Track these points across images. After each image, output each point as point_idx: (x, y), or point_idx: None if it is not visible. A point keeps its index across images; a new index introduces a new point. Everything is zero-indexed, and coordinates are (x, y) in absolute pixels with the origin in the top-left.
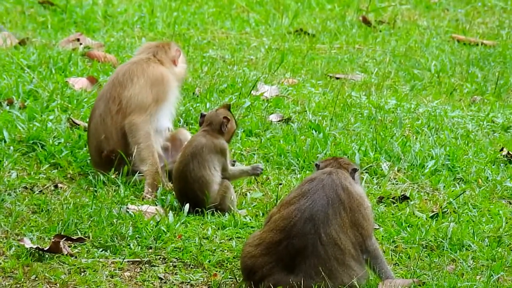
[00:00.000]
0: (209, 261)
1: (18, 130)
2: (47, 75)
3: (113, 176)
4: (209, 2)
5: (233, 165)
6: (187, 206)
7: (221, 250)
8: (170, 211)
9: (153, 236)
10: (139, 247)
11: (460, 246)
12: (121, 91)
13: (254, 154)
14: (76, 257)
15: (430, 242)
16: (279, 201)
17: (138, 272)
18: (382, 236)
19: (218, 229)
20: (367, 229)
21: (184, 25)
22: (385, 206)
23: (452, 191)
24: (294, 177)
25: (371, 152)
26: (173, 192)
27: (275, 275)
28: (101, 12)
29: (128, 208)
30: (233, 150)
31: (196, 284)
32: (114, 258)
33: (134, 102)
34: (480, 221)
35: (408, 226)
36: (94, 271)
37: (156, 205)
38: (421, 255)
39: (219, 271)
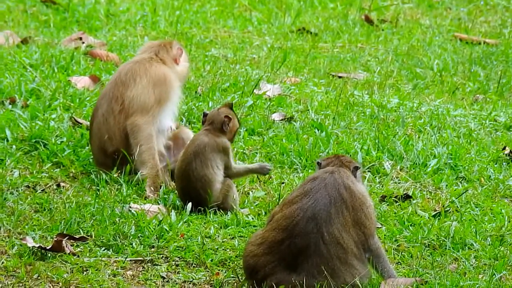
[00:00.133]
0: (212, 260)
1: (21, 129)
2: (49, 74)
3: (115, 175)
4: (212, 1)
5: None
6: (189, 205)
7: (223, 249)
8: (173, 210)
9: (156, 235)
10: (142, 246)
11: (463, 245)
12: (123, 90)
13: (256, 153)
14: (78, 256)
15: (432, 241)
16: (281, 200)
17: (141, 271)
18: (385, 235)
19: (221, 228)
20: (370, 228)
21: (187, 24)
22: (388, 205)
23: (455, 190)
24: (296, 176)
25: (374, 151)
26: (176, 191)
27: (277, 274)
28: (104, 11)
29: (130, 207)
30: (235, 149)
31: (198, 283)
32: (116, 257)
33: (137, 102)
34: (483, 220)
35: (411, 225)
36: (96, 270)
37: (159, 204)
38: (423, 254)
39: (222, 270)
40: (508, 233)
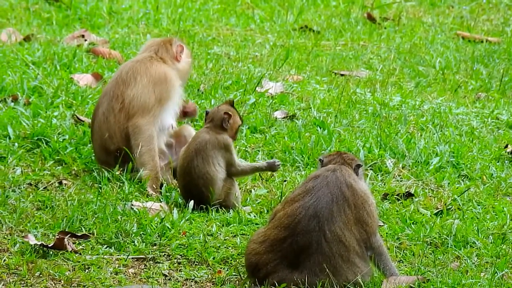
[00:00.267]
0: (214, 258)
1: (23, 127)
2: (51, 71)
3: (117, 173)
4: None
5: None
6: (191, 202)
7: (225, 247)
8: (175, 208)
9: (158, 233)
10: (144, 243)
11: (465, 243)
12: (124, 89)
13: (258, 151)
14: (80, 254)
15: (434, 239)
16: (283, 198)
17: (143, 269)
18: (387, 233)
19: (223, 226)
20: (372, 226)
21: (189, 21)
22: (390, 203)
23: (457, 188)
24: (298, 174)
25: (376, 149)
26: (178, 189)
27: (279, 272)
28: (106, 9)
29: (132, 205)
30: (237, 147)
31: (200, 281)
32: (118, 255)
33: (137, 102)
34: (485, 218)
35: (413, 223)
36: (98, 267)
37: (161, 202)
38: (425, 252)
39: (224, 268)
40: (510, 231)
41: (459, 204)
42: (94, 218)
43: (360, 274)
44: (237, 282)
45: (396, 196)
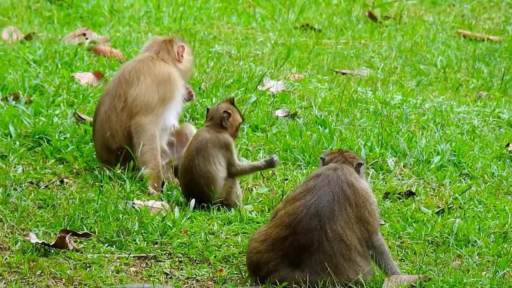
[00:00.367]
0: (215, 257)
1: (24, 125)
2: (53, 69)
3: (119, 171)
4: None
5: None
6: (193, 201)
7: (227, 246)
8: (176, 207)
9: (159, 232)
10: (145, 242)
11: (466, 242)
12: (127, 88)
13: (260, 149)
14: (81, 252)
15: (436, 238)
16: (284, 196)
17: (144, 268)
18: (388, 232)
19: (224, 224)
20: (373, 225)
21: (190, 20)
22: (391, 201)
23: (458, 187)
24: (300, 173)
25: (377, 147)
26: (179, 187)
27: (280, 270)
28: (107, 7)
29: (134, 204)
30: (238, 145)
31: (201, 279)
32: (120, 253)
33: (141, 102)
34: (486, 217)
35: (414, 222)
36: (99, 266)
37: (162, 201)
38: (427, 251)
39: (225, 267)
40: (511, 230)
41: (461, 203)
42: (96, 217)
43: (362, 273)
44: (238, 280)
45: (397, 195)
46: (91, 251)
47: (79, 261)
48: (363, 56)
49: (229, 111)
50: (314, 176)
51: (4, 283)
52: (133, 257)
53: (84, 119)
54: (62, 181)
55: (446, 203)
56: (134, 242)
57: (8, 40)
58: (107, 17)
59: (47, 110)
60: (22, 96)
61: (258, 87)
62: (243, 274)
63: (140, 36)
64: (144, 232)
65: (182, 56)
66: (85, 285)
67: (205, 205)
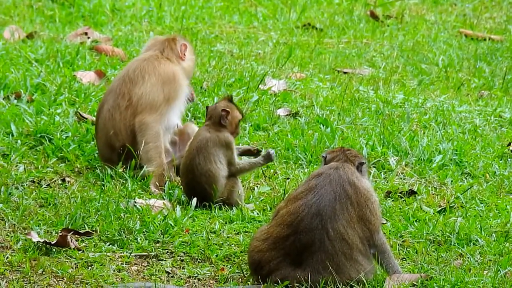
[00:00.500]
0: (217, 256)
1: (26, 124)
2: (54, 68)
3: (120, 170)
4: None
5: (258, 152)
6: (194, 200)
7: (228, 245)
8: (178, 205)
9: (161, 230)
10: (147, 241)
11: (468, 241)
12: (131, 87)
13: (261, 148)
14: (83, 251)
15: (437, 237)
16: (286, 195)
17: (146, 266)
18: (390, 231)
19: (226, 223)
20: (375, 224)
21: (192, 19)
22: (393, 200)
23: (460, 186)
24: (301, 172)
25: (379, 146)
26: (181, 186)
27: (282, 269)
28: (109, 6)
29: (135, 202)
30: (240, 144)
31: (203, 278)
32: (121, 252)
33: (145, 100)
34: (488, 216)
35: (416, 221)
36: (101, 265)
37: (164, 199)
38: (428, 250)
39: (227, 266)
40: None
41: (462, 202)
42: (97, 216)
43: (363, 272)
44: (240, 279)
45: (399, 194)
46: (92, 250)
47: (81, 260)
48: (364, 55)
49: (227, 109)
50: (316, 175)
51: (6, 282)
52: (135, 256)
53: (86, 118)
54: (63, 180)
55: (448, 202)
56: (136, 241)
57: (10, 39)
58: (109, 16)
59: (49, 109)
60: (23, 95)
61: (259, 86)
62: (244, 273)
63: (142, 35)
64: (145, 231)
65: (184, 54)
66: (87, 284)
67: (207, 204)
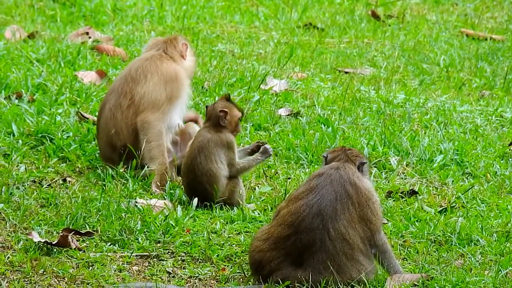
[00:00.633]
0: (218, 256)
1: (27, 124)
2: (56, 68)
3: (121, 170)
4: None
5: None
6: (195, 200)
7: (229, 245)
8: (179, 205)
9: (162, 230)
10: (148, 241)
11: (469, 241)
12: (133, 86)
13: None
14: (84, 251)
15: (438, 237)
16: (287, 195)
17: (147, 266)
18: (391, 231)
19: (227, 223)
20: (376, 224)
21: (193, 19)
22: (394, 200)
23: (461, 186)
24: (302, 171)
25: (380, 146)
26: (182, 186)
27: (283, 269)
28: (110, 6)
29: (136, 202)
30: (241, 144)
31: (204, 278)
32: (122, 252)
33: (148, 99)
34: (489, 216)
35: (417, 221)
36: (102, 265)
37: (165, 199)
38: (429, 250)
39: (228, 266)
40: None
41: (463, 202)
42: (98, 216)
43: (364, 271)
44: (241, 279)
45: (400, 194)
46: (93, 250)
47: (82, 260)
48: (366, 55)
49: (225, 109)
50: (317, 175)
51: (7, 282)
52: (136, 256)
53: (87, 118)
54: (64, 180)
55: (449, 202)
56: (137, 241)
57: (11, 39)
58: (110, 15)
59: (50, 109)
60: (25, 95)
61: (261, 86)
62: (245, 273)
63: (143, 35)
64: (146, 231)
65: (185, 53)
66: (88, 284)
67: (208, 204)
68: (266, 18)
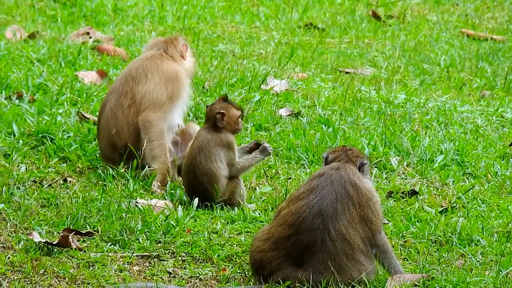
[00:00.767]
0: (218, 256)
1: (28, 124)
2: (56, 68)
3: (122, 170)
4: None
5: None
6: (196, 200)
7: (230, 245)
8: (179, 206)
9: (162, 230)
10: (148, 241)
11: (469, 241)
12: (134, 86)
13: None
14: (85, 251)
15: (439, 237)
16: (288, 195)
17: (147, 267)
18: (391, 231)
19: (227, 223)
20: (376, 224)
21: (194, 19)
22: (394, 200)
23: (461, 186)
24: (303, 172)
25: (381, 146)
26: (183, 186)
27: (284, 269)
28: (111, 6)
29: (137, 202)
30: (242, 144)
31: (205, 278)
32: (123, 252)
33: (149, 98)
34: (489, 216)
35: (417, 221)
36: (103, 265)
37: (165, 199)
38: (430, 250)
39: (228, 266)
40: None
41: (464, 202)
42: (99, 216)
43: (365, 272)
44: (241, 279)
45: (400, 194)
46: (94, 250)
47: (82, 260)
48: (366, 55)
49: (222, 111)
50: (317, 176)
51: (7, 282)
52: (136, 256)
53: (88, 118)
54: (65, 180)
55: (450, 202)
56: (137, 241)
57: (12, 39)
58: (110, 16)
59: (51, 109)
60: (25, 95)
61: (261, 86)
62: (246, 273)
63: (143, 35)
64: (147, 231)
65: (185, 54)
66: (88, 284)
67: (208, 204)
68: (267, 18)
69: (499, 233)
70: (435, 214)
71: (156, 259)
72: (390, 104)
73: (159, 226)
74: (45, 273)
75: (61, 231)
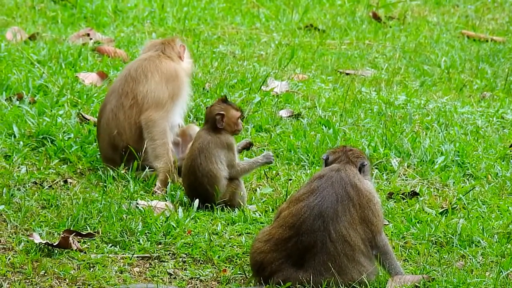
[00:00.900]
0: (219, 257)
1: (28, 125)
2: (57, 70)
3: (122, 171)
4: None
5: (251, 144)
6: (196, 201)
7: (230, 246)
8: (180, 207)
9: (163, 232)
10: (149, 242)
11: (470, 242)
12: (134, 86)
13: (264, 149)
14: (85, 253)
15: (439, 238)
16: (288, 197)
17: (148, 268)
18: (392, 232)
19: (228, 224)
20: (377, 225)
21: (194, 20)
22: (395, 202)
23: (462, 187)
24: (304, 173)
25: (381, 148)
26: (183, 187)
27: (284, 271)
28: (111, 7)
29: (137, 204)
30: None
31: (205, 279)
32: (123, 254)
33: (151, 98)
34: (490, 217)
35: (418, 222)
36: (103, 266)
37: (166, 201)
38: (430, 251)
39: (229, 267)
40: None
41: (464, 203)
42: (99, 217)
43: (365, 273)
44: (242, 281)
45: (401, 195)
46: (94, 251)
47: (83, 261)
48: (367, 56)
49: (221, 112)
50: (318, 177)
51: (8, 283)
52: (137, 257)
53: (88, 119)
54: (65, 181)
55: (450, 203)
56: (138, 242)
57: (12, 40)
58: (111, 17)
59: (51, 110)
60: (26, 96)
61: (262, 87)
62: (246, 274)
63: (144, 37)
64: (147, 232)
65: (183, 55)
66: (89, 285)
67: (209, 205)
68: (267, 20)
69: (500, 234)
70: (436, 215)
71: (157, 260)
72: (391, 105)
73: (159, 227)
74: (45, 274)
75: (62, 232)
